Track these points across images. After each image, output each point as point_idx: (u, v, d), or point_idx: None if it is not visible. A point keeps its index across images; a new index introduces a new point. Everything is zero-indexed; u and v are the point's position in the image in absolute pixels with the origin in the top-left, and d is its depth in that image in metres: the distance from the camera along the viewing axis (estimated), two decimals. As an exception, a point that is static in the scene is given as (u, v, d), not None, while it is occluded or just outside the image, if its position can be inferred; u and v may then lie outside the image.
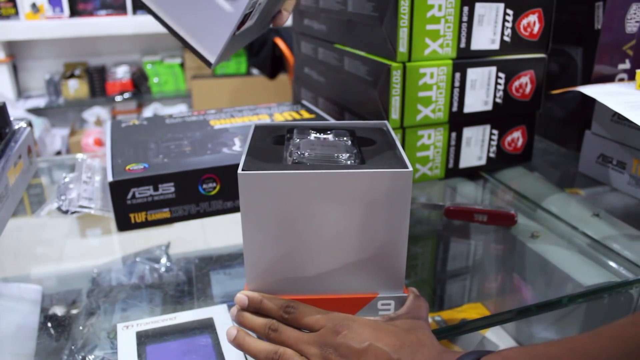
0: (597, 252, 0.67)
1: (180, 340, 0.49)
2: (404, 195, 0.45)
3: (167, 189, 0.65)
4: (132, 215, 0.64)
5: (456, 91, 0.79)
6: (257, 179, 0.44)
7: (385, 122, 0.58)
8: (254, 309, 0.48)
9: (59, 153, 2.71)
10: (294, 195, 0.45)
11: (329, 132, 0.55)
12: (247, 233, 0.46)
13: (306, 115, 0.87)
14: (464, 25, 0.76)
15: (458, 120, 0.82)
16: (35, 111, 2.77)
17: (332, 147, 0.50)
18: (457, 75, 0.78)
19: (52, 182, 0.93)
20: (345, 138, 0.53)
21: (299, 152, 0.48)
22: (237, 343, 0.47)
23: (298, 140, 0.52)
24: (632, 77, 0.85)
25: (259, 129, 0.57)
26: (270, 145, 0.52)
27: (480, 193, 0.86)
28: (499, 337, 0.71)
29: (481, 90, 0.81)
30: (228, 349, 0.53)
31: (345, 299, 0.49)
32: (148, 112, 2.96)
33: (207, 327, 0.54)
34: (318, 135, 0.54)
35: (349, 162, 0.47)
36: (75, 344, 0.55)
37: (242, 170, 0.44)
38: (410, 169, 0.45)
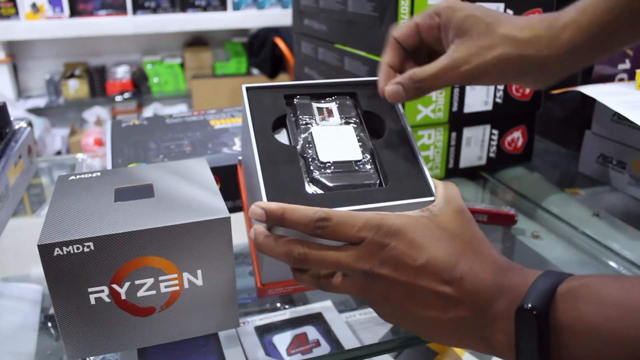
0: (597, 252, 0.67)
1: (181, 342, 0.49)
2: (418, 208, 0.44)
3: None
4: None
5: (456, 91, 0.79)
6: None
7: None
8: (275, 224, 0.41)
9: (59, 153, 2.72)
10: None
11: (330, 100, 0.52)
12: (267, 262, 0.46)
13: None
14: (464, 25, 0.76)
15: (458, 120, 0.82)
16: (36, 111, 2.77)
17: (345, 143, 0.48)
18: (457, 75, 0.78)
19: (52, 182, 0.93)
20: (350, 114, 0.51)
21: (316, 174, 0.46)
22: (255, 244, 0.42)
23: (305, 135, 0.49)
24: (632, 77, 0.85)
25: (256, 109, 0.50)
26: (278, 146, 0.47)
27: (480, 193, 0.86)
28: (499, 337, 0.71)
29: (481, 90, 0.81)
30: (228, 350, 0.53)
31: None
32: (148, 112, 2.96)
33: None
34: (322, 116, 0.50)
35: (367, 167, 0.46)
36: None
37: None
38: (434, 197, 0.44)
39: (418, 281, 0.37)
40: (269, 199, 0.42)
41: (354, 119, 0.51)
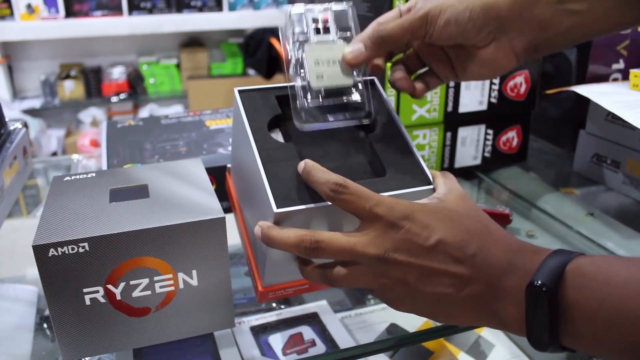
0: (592, 251, 0.67)
1: (177, 342, 0.49)
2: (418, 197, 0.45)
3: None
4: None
5: (451, 91, 0.80)
6: (293, 215, 0.42)
7: (373, 78, 0.54)
8: (302, 177, 0.42)
9: (54, 154, 2.71)
10: (322, 219, 0.44)
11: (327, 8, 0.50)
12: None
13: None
14: (459, 26, 0.76)
15: (453, 120, 0.82)
16: (31, 112, 2.76)
17: (338, 64, 0.47)
18: (452, 75, 0.78)
19: (47, 183, 0.93)
20: (347, 26, 0.49)
21: (305, 103, 0.46)
22: (264, 238, 0.42)
23: (297, 56, 0.47)
24: (625, 77, 0.85)
25: (250, 110, 0.49)
26: (276, 145, 0.47)
27: (475, 193, 0.86)
28: (494, 337, 0.71)
29: (476, 90, 0.81)
30: (224, 350, 0.53)
31: None
32: (144, 112, 2.96)
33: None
34: (317, 27, 0.49)
35: (357, 96, 0.47)
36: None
37: (278, 208, 0.42)
38: (432, 186, 0.46)
39: (432, 262, 0.38)
40: (274, 196, 0.42)
41: (351, 32, 0.49)
